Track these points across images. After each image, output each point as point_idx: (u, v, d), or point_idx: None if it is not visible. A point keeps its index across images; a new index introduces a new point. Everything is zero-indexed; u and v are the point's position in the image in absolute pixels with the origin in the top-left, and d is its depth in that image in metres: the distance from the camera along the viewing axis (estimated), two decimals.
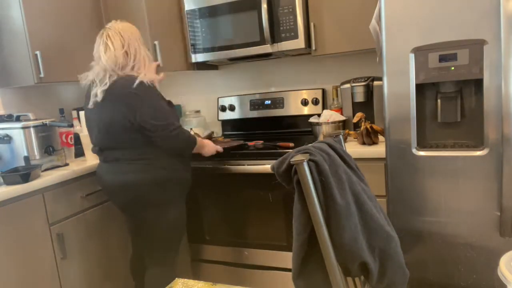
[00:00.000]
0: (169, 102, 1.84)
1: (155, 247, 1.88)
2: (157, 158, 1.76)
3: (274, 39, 2.15)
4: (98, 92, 1.71)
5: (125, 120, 1.68)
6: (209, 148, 1.96)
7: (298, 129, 2.52)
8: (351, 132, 2.06)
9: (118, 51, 1.71)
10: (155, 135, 1.70)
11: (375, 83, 2.14)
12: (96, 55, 1.77)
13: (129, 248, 2.27)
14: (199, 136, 2.39)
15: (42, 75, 2.11)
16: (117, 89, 1.69)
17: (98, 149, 1.82)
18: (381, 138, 2.01)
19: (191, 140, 1.81)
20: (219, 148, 2.00)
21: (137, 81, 1.67)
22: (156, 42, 2.35)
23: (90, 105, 1.77)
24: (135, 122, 1.68)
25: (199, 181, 2.22)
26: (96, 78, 1.73)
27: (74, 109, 2.52)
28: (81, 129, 2.30)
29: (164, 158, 1.78)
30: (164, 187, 1.79)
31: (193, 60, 2.39)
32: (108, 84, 1.69)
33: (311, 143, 1.19)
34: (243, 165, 2.08)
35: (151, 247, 1.89)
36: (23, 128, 1.90)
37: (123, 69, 1.73)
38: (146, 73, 1.73)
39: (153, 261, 1.89)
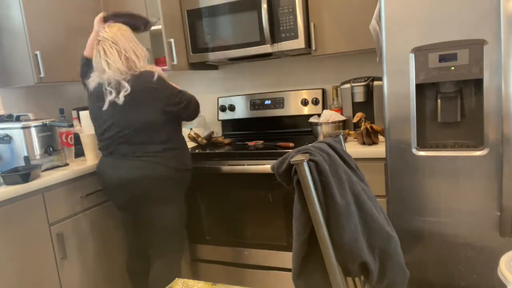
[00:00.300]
0: None
1: (159, 244, 1.89)
2: (161, 155, 1.79)
3: (274, 39, 2.15)
4: (120, 97, 1.73)
5: (155, 114, 1.76)
6: None
7: (298, 129, 2.52)
8: (351, 132, 2.06)
9: (118, 62, 1.75)
10: (174, 102, 1.80)
11: (375, 83, 2.14)
12: (99, 68, 1.78)
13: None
14: (199, 136, 2.41)
15: (42, 75, 2.11)
16: (139, 88, 1.74)
17: (110, 142, 1.81)
18: (381, 138, 2.01)
19: (194, 99, 1.91)
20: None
21: (155, 76, 1.76)
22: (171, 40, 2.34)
23: (106, 107, 1.77)
24: (165, 111, 1.78)
25: (199, 181, 2.22)
26: (108, 86, 1.75)
27: (74, 109, 2.52)
28: (81, 129, 2.30)
29: (169, 156, 1.81)
30: (166, 184, 1.81)
31: (193, 60, 2.39)
32: (129, 89, 1.73)
33: (311, 143, 1.19)
34: (243, 165, 2.08)
35: (155, 243, 1.90)
36: (23, 128, 1.90)
37: (134, 69, 1.78)
38: (153, 67, 1.83)
39: (158, 257, 1.91)
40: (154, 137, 1.78)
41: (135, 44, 1.83)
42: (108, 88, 1.75)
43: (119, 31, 1.80)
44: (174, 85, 1.85)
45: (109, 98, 1.76)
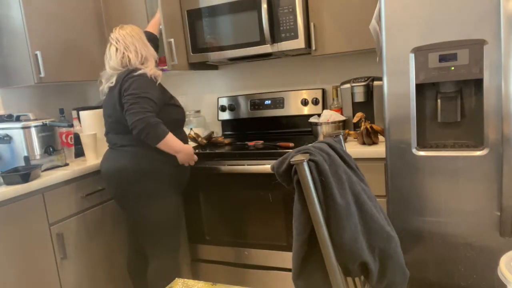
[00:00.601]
0: (177, 105, 1.92)
1: (151, 243, 1.89)
2: (143, 146, 1.78)
3: (274, 39, 2.15)
4: (105, 88, 1.87)
5: (119, 104, 1.77)
6: (185, 156, 1.85)
7: (298, 129, 2.52)
8: (351, 132, 2.06)
9: (114, 61, 1.83)
10: (123, 101, 1.73)
11: (375, 83, 2.14)
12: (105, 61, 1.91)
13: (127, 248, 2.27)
14: (199, 136, 2.40)
15: (42, 75, 2.11)
16: (118, 79, 1.81)
17: (105, 133, 1.92)
18: (381, 138, 2.01)
19: (156, 131, 1.69)
20: (194, 158, 1.91)
21: (140, 71, 1.78)
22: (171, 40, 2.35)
23: (101, 97, 1.94)
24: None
25: (199, 181, 2.22)
26: (104, 79, 1.89)
27: (74, 109, 2.52)
28: (81, 129, 2.30)
29: (150, 148, 1.76)
30: (146, 178, 1.79)
31: (193, 60, 2.39)
32: (114, 82, 1.82)
33: (311, 143, 1.19)
34: (243, 165, 2.08)
35: (148, 243, 1.89)
36: (23, 128, 1.90)
37: (127, 66, 1.83)
38: (152, 68, 1.84)
39: (153, 257, 1.90)
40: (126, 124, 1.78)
41: (142, 44, 1.88)
42: (103, 81, 1.89)
43: (130, 32, 1.87)
44: (151, 95, 1.72)
45: (100, 88, 1.91)
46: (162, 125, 1.71)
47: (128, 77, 1.76)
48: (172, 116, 1.87)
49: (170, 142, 1.75)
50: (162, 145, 1.73)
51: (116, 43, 1.84)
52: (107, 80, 1.86)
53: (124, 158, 1.80)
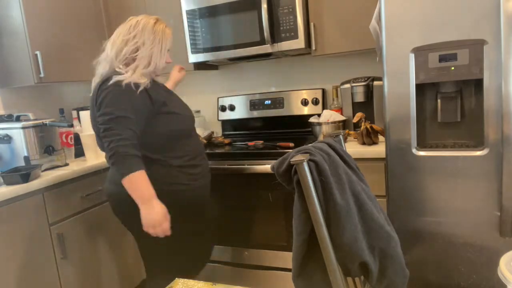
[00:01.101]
0: (174, 112, 1.59)
1: (146, 261, 1.76)
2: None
3: (274, 39, 2.15)
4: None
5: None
6: (149, 215, 1.44)
7: (298, 129, 2.52)
8: (351, 132, 2.06)
9: (110, 49, 1.57)
10: (99, 122, 1.45)
11: (375, 83, 2.14)
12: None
13: (128, 248, 2.27)
14: (199, 136, 2.40)
15: (42, 75, 2.11)
16: (95, 89, 1.54)
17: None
18: (381, 138, 2.01)
19: (122, 164, 1.39)
20: (162, 227, 1.48)
21: (114, 79, 1.47)
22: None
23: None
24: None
25: None
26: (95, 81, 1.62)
27: (74, 109, 2.52)
28: (81, 129, 2.30)
29: (149, 168, 1.48)
30: (127, 202, 1.48)
31: (193, 60, 2.39)
32: (91, 91, 1.59)
33: (311, 143, 1.19)
34: (243, 165, 2.08)
35: (143, 259, 1.77)
36: (23, 128, 1.90)
37: (118, 61, 1.55)
38: (134, 74, 1.50)
39: (147, 274, 1.77)
40: None
41: (151, 43, 1.55)
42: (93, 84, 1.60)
43: (160, 31, 1.58)
44: (127, 111, 1.43)
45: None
46: (133, 159, 1.40)
47: (102, 88, 1.48)
48: (168, 127, 1.56)
49: (136, 184, 1.40)
50: (126, 182, 1.41)
51: (136, 22, 1.56)
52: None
53: (117, 180, 1.49)
